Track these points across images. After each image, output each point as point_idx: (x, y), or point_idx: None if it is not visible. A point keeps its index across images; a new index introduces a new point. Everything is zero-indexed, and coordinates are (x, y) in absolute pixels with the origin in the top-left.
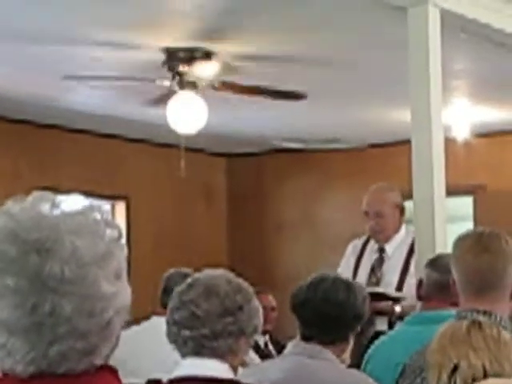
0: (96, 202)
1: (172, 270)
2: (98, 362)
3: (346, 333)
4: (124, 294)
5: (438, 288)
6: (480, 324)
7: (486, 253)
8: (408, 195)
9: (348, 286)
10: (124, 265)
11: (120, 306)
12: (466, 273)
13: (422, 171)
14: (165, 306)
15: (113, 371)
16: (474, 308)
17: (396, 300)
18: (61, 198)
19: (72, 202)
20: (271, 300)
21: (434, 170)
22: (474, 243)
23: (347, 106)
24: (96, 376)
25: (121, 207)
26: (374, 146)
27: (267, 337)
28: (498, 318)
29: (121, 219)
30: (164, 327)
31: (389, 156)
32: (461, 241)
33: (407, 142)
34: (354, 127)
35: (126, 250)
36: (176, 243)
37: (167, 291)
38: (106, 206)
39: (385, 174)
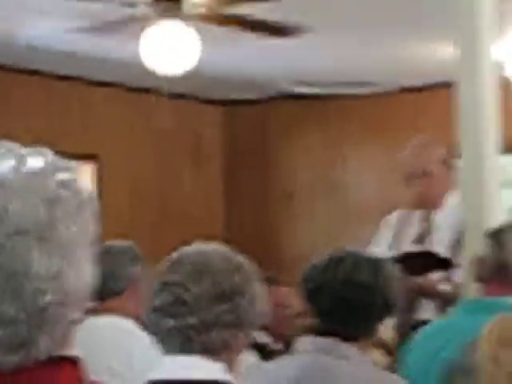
0: (58, 161)
1: (110, 243)
2: (41, 355)
3: (373, 325)
4: (77, 275)
5: (499, 269)
6: None
7: None
8: (451, 153)
9: (375, 264)
10: (85, 239)
11: (69, 290)
12: None
13: (468, 121)
14: (100, 297)
15: (73, 363)
16: None
17: (449, 266)
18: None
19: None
20: (288, 293)
21: (485, 120)
22: None
23: (372, 40)
24: (43, 370)
25: (89, 168)
26: (407, 89)
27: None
28: None
29: (89, 183)
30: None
31: (426, 102)
32: None
33: (449, 84)
34: (381, 66)
35: (92, 221)
36: (159, 214)
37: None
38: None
39: (422, 125)
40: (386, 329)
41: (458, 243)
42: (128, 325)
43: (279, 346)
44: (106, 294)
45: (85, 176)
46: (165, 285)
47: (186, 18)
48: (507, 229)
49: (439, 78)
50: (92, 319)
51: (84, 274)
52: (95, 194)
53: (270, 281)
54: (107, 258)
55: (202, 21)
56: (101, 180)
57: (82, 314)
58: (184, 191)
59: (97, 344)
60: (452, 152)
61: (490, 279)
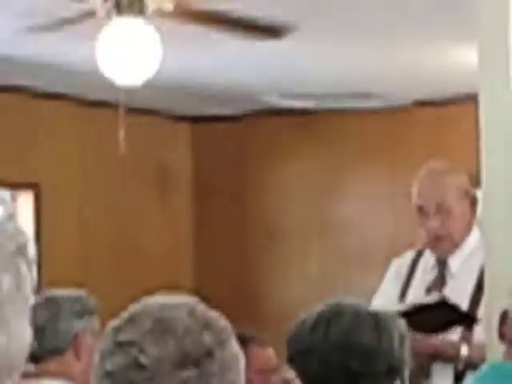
0: None
1: (38, 297)
2: None
3: None
4: (9, 337)
5: None
6: None
7: None
8: (475, 181)
9: (378, 321)
10: (19, 292)
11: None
12: None
13: (495, 143)
14: (33, 359)
15: None
16: None
17: (470, 322)
18: None
19: None
20: (273, 356)
21: None
22: None
23: (378, 44)
24: None
25: (27, 199)
26: (421, 103)
27: None
28: None
29: (26, 217)
30: None
31: (447, 120)
32: None
33: (473, 97)
34: (390, 76)
35: (29, 269)
36: (115, 257)
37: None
38: (4, 196)
39: (440, 147)
40: None
41: (479, 295)
42: None
43: None
44: (45, 354)
45: (22, 210)
46: (118, 345)
47: (149, 16)
48: None
49: (463, 90)
50: None
51: (18, 334)
52: (32, 236)
53: (251, 341)
54: (48, 310)
55: (168, 18)
56: (42, 214)
57: (15, 381)
58: (145, 229)
59: None
60: (476, 181)
61: None
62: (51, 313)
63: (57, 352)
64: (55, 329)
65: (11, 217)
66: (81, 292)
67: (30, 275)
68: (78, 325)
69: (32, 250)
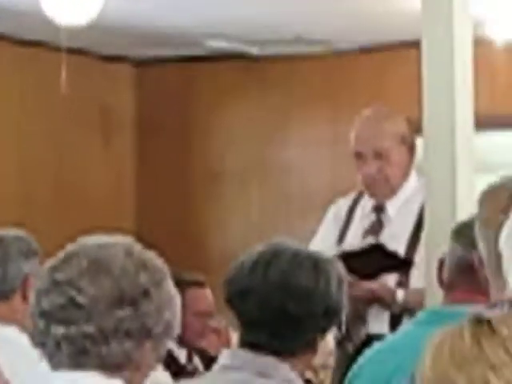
0: None
1: None
2: None
3: (312, 337)
4: None
5: (464, 271)
6: (489, 323)
7: None
8: (416, 128)
9: (316, 264)
10: None
11: None
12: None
13: (437, 89)
14: None
15: None
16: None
17: (405, 267)
18: None
19: None
20: (210, 298)
21: (457, 89)
22: (509, 199)
23: None
24: None
25: None
26: (365, 50)
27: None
28: None
29: None
30: None
31: (388, 65)
32: (490, 195)
33: (416, 43)
34: (334, 20)
35: None
36: (55, 199)
37: None
38: None
39: (382, 93)
40: (327, 344)
41: (416, 239)
42: (12, 334)
43: (196, 364)
44: None
45: None
46: (55, 284)
47: None
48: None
49: (406, 36)
50: None
51: None
52: None
53: (190, 284)
54: None
55: None
56: None
57: None
58: (87, 170)
59: None
60: (416, 129)
61: (454, 284)
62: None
63: (6, 295)
64: (5, 271)
65: None
66: (23, 233)
67: None
68: (26, 266)
69: None
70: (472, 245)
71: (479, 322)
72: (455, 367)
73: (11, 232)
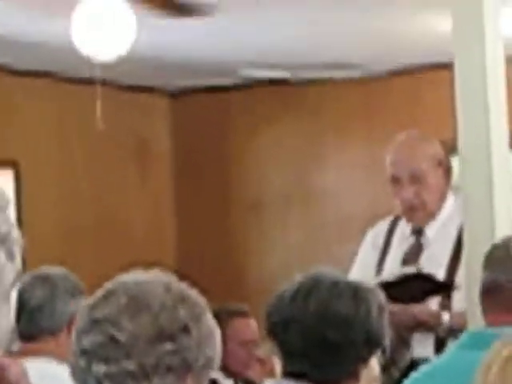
0: None
1: (28, 275)
2: None
3: (354, 366)
4: (6, 316)
5: (491, 293)
6: None
7: None
8: (451, 149)
9: (356, 291)
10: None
11: None
12: None
13: (470, 109)
14: (24, 337)
15: None
16: None
17: (447, 290)
18: None
19: None
20: (255, 328)
21: (491, 108)
22: None
23: (352, 11)
24: None
25: (6, 178)
26: (397, 73)
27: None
28: None
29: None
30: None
31: (421, 87)
32: None
33: (449, 65)
34: (365, 45)
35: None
36: (94, 236)
37: (22, 311)
38: None
39: (416, 115)
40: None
41: (456, 261)
42: (61, 371)
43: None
44: (41, 334)
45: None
46: (94, 322)
47: None
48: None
49: (438, 58)
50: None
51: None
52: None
53: (235, 314)
54: (44, 289)
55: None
56: (22, 191)
57: None
58: (125, 205)
59: None
60: (451, 150)
61: (483, 307)
62: (47, 292)
63: (53, 332)
64: (52, 308)
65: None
66: (67, 270)
67: (11, 263)
68: (73, 305)
69: (16, 235)
70: (500, 265)
71: None
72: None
73: (57, 270)
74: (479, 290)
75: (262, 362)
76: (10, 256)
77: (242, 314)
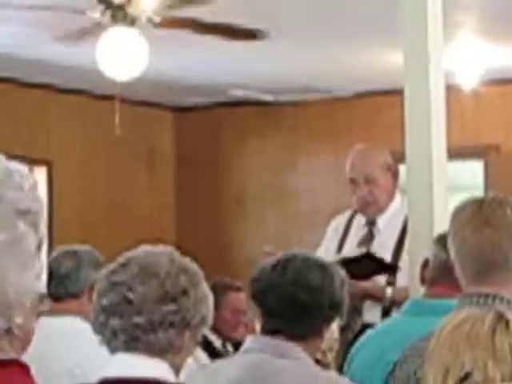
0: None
1: (59, 250)
2: None
3: (320, 325)
4: (28, 278)
5: (446, 271)
6: (508, 323)
7: (487, 226)
8: (400, 158)
9: (322, 266)
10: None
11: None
12: (464, 251)
13: (417, 127)
14: (54, 298)
15: (22, 367)
16: (477, 292)
17: (391, 270)
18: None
19: None
20: (245, 300)
21: (433, 127)
22: (472, 215)
23: (325, 46)
24: None
25: (40, 174)
26: (360, 95)
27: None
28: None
29: (40, 189)
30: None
31: (379, 109)
32: (457, 212)
33: (400, 91)
34: (334, 72)
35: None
36: (110, 220)
37: (53, 278)
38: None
39: (374, 131)
40: (333, 332)
41: (401, 247)
42: (84, 326)
43: (229, 350)
44: (67, 296)
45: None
46: (112, 285)
47: (139, 25)
48: None
49: (392, 85)
50: (47, 320)
51: (16, 280)
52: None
53: (230, 287)
54: (71, 261)
55: (155, 27)
56: (53, 185)
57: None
58: (136, 197)
59: (53, 346)
60: (400, 159)
61: (435, 281)
62: (74, 263)
63: (77, 295)
64: (77, 276)
65: (33, 187)
66: (90, 247)
67: (34, 233)
68: (94, 275)
69: (40, 209)
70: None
71: (500, 317)
72: (468, 344)
73: (84, 247)
74: (432, 265)
75: (246, 325)
76: (34, 226)
77: (236, 288)
